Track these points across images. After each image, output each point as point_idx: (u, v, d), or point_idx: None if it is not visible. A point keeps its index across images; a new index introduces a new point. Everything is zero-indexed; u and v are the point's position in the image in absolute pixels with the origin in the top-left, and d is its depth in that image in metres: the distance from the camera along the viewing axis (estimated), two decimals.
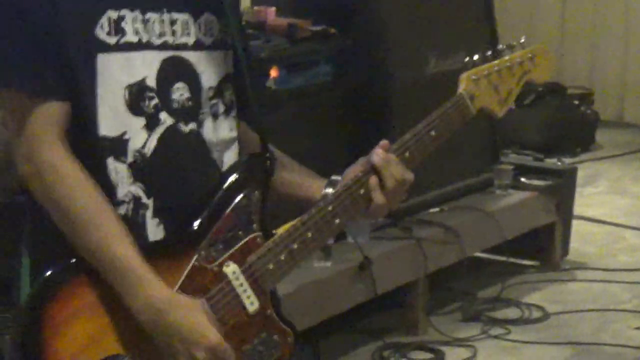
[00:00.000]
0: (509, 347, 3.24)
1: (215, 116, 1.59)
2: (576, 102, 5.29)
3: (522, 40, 1.66)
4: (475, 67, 1.61)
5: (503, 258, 3.84)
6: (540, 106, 5.86)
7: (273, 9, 3.33)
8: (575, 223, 3.91)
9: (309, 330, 2.93)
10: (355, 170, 1.54)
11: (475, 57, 1.61)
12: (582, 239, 3.95)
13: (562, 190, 3.79)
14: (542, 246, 3.93)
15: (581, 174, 4.12)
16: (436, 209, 3.62)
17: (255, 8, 3.42)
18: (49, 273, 1.43)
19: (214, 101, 1.58)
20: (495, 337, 3.24)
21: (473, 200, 3.84)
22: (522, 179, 4.05)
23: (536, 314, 3.40)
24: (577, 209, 3.98)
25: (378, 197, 1.52)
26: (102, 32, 1.45)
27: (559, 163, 4.47)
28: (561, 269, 3.79)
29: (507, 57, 1.63)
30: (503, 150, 4.22)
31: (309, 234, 1.54)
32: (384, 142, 1.54)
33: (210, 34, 1.55)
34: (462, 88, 1.59)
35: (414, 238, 3.29)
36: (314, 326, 2.99)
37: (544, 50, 1.70)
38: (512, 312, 3.41)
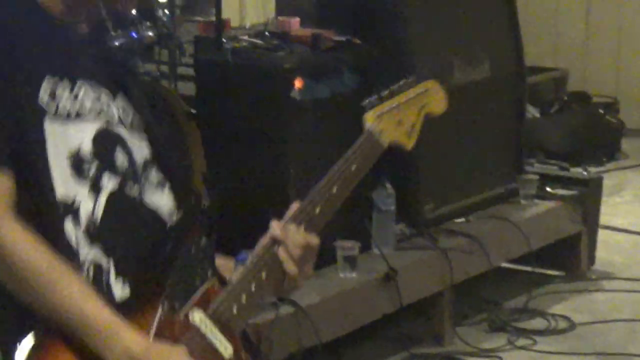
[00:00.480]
0: (536, 357, 3.23)
1: (149, 190, 1.62)
2: (601, 110, 5.22)
3: (412, 78, 1.72)
4: (375, 106, 1.68)
5: (529, 268, 3.81)
6: (565, 115, 5.88)
7: (297, 19, 3.34)
8: (601, 233, 3.88)
9: (334, 341, 3.02)
10: (260, 246, 1.59)
11: (373, 97, 1.68)
12: (608, 249, 3.93)
13: (587, 199, 3.77)
14: (568, 256, 3.91)
15: (607, 183, 4.10)
16: (462, 219, 3.59)
17: (279, 18, 3.43)
18: (28, 349, 1.43)
19: (143, 178, 1.62)
20: (522, 347, 3.23)
21: (498, 210, 3.80)
22: (548, 189, 4.02)
23: (562, 324, 3.37)
24: (603, 219, 3.94)
25: (289, 268, 1.57)
26: (43, 99, 1.48)
27: (585, 172, 4.45)
28: (587, 278, 3.76)
29: (403, 95, 1.71)
30: (528, 160, 4.21)
31: (263, 274, 1.59)
32: (294, 204, 1.59)
33: (126, 115, 1.60)
34: (368, 125, 1.65)
35: (439, 248, 3.29)
36: (339, 337, 3.00)
37: (435, 84, 1.77)
38: (538, 323, 3.38)
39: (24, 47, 1.52)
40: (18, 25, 1.54)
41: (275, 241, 1.58)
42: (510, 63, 3.98)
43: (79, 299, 1.44)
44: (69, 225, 1.50)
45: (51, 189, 1.48)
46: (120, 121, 1.60)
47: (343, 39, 3.14)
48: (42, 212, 1.49)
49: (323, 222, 1.62)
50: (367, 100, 1.70)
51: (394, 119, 1.70)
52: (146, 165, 1.64)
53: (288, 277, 1.60)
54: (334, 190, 1.59)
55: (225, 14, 3.34)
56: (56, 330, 1.44)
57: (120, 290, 1.54)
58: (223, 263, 1.71)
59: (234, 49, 3.07)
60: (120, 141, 1.59)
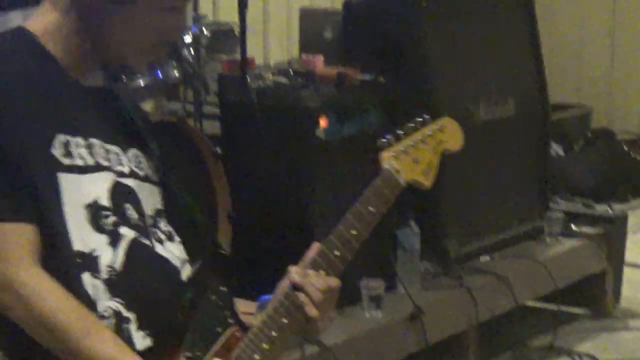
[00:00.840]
0: None
1: (159, 241, 1.63)
2: (626, 147, 5.15)
3: (427, 117, 1.73)
4: (391, 145, 1.68)
5: (554, 306, 3.73)
6: (589, 152, 5.83)
7: (321, 57, 3.34)
8: (626, 270, 3.85)
9: None
10: (280, 291, 1.59)
11: (389, 136, 1.69)
12: (633, 286, 3.88)
13: (613, 237, 3.75)
14: (594, 294, 3.87)
15: (632, 221, 4.06)
16: (487, 257, 3.55)
17: (304, 56, 3.44)
18: None
19: (153, 229, 1.63)
20: None
21: (524, 248, 3.79)
22: (573, 226, 3.97)
23: None
24: (629, 256, 3.91)
25: (311, 313, 1.57)
26: (56, 152, 1.50)
27: (610, 209, 4.38)
28: (613, 316, 3.72)
29: (418, 134, 1.72)
30: (553, 197, 4.20)
31: (284, 320, 1.58)
32: (313, 247, 1.58)
33: (139, 168, 1.61)
34: (386, 165, 1.66)
35: (465, 286, 3.27)
36: None
37: (450, 122, 1.79)
38: None
39: (36, 101, 1.53)
40: (30, 77, 1.56)
41: (295, 286, 1.58)
42: (535, 101, 3.98)
43: (113, 349, 1.46)
44: (86, 276, 1.51)
45: (67, 241, 1.49)
46: (132, 174, 1.62)
47: (368, 77, 3.14)
48: (57, 263, 1.50)
49: (343, 264, 1.62)
50: (382, 140, 1.70)
51: (410, 158, 1.70)
52: (156, 216, 1.66)
53: (310, 321, 1.59)
54: (353, 232, 1.59)
55: (249, 52, 3.33)
56: None
57: (141, 340, 1.54)
58: (244, 308, 1.71)
59: (259, 88, 3.07)
60: (131, 194, 1.61)
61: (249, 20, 3.55)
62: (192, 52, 3.54)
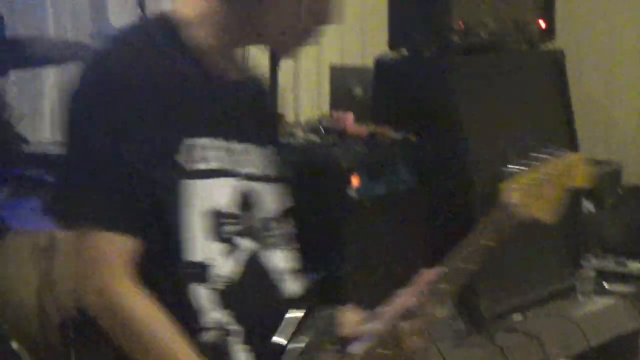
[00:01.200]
0: None
1: (276, 245, 1.61)
2: None
3: (557, 151, 1.73)
4: (514, 178, 1.69)
5: None
6: (621, 208, 5.83)
7: (351, 114, 3.31)
8: None
9: None
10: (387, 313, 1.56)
11: (514, 167, 1.71)
12: None
13: None
14: (627, 353, 3.79)
15: None
16: (519, 316, 3.43)
17: (334, 114, 3.36)
18: None
19: (277, 232, 1.61)
20: None
21: (556, 306, 3.63)
22: (605, 284, 3.89)
23: None
24: None
25: (413, 342, 1.55)
26: (182, 158, 1.47)
27: None
28: None
29: (543, 168, 1.70)
30: (584, 255, 4.08)
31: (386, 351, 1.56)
32: (426, 274, 1.55)
33: (268, 166, 1.59)
34: (505, 197, 1.64)
35: (496, 345, 3.16)
36: None
37: (579, 159, 1.78)
38: None
39: (168, 103, 1.49)
40: (165, 75, 1.50)
41: (407, 312, 1.56)
42: None
43: None
44: (196, 286, 1.49)
45: (180, 249, 1.47)
46: (257, 176, 1.59)
47: (399, 136, 3.11)
48: (166, 273, 1.48)
49: (449, 296, 1.63)
50: (506, 170, 1.72)
51: (532, 193, 1.68)
52: (277, 220, 1.63)
53: (408, 349, 1.56)
54: (466, 265, 1.59)
55: (280, 109, 3.26)
56: None
57: (243, 355, 1.52)
58: (350, 318, 1.69)
59: (292, 146, 3.08)
60: (253, 198, 1.58)
61: (280, 76, 3.55)
62: None
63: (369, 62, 3.67)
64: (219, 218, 1.52)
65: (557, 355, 3.41)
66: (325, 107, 4.39)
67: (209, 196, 1.50)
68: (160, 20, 1.58)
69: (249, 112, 1.61)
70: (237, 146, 1.57)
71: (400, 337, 1.56)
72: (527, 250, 3.51)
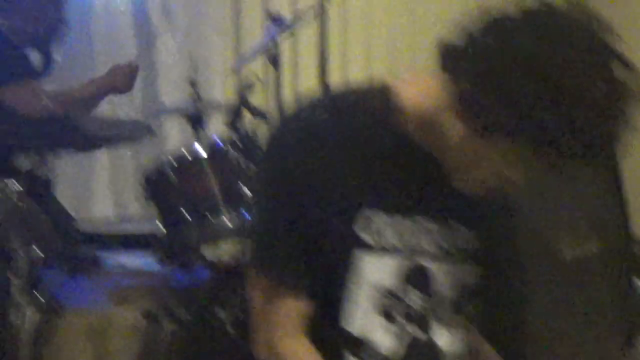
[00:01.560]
0: None
1: (449, 327, 1.55)
2: None
3: None
4: None
5: None
6: None
7: None
8: None
9: None
10: None
11: None
12: None
13: None
14: None
15: None
16: None
17: None
18: None
19: (451, 314, 1.54)
20: None
21: None
22: None
23: None
24: None
25: None
26: (359, 229, 1.42)
27: None
28: None
29: None
30: (638, 337, 3.72)
31: None
32: None
33: (447, 243, 1.50)
34: None
35: None
36: None
37: None
38: None
39: (359, 168, 1.45)
40: (354, 139, 1.45)
41: None
42: (618, 238, 3.66)
43: None
44: (349, 357, 1.47)
45: (340, 318, 1.46)
46: (431, 254, 1.52)
47: None
48: (324, 339, 1.48)
49: None
50: None
51: None
52: (453, 302, 1.57)
53: None
54: None
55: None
56: None
57: None
58: None
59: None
60: (423, 277, 1.53)
61: None
62: None
63: None
64: (385, 294, 1.48)
65: None
66: None
67: (378, 271, 1.45)
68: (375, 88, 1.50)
69: (432, 185, 1.50)
70: (407, 223, 1.50)
71: None
72: (579, 332, 3.39)
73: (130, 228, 4.34)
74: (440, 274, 1.52)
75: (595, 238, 3.42)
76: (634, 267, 3.77)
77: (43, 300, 2.55)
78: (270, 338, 1.46)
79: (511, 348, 1.86)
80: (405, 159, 1.47)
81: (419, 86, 1.42)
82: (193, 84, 3.36)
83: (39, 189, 3.04)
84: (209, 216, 2.98)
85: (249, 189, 2.97)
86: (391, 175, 1.47)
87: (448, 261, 1.52)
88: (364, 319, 1.46)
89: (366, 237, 1.44)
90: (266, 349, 1.46)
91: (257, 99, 3.53)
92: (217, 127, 3.60)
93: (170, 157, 3.15)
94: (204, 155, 3.10)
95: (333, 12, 4.41)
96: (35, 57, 3.45)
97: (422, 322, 1.52)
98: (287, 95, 3.89)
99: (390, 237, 1.47)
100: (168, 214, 3.20)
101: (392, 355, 1.49)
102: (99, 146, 3.66)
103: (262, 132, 3.23)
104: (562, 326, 3.39)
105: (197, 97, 3.36)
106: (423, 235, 1.50)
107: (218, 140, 3.18)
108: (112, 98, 3.63)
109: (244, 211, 2.96)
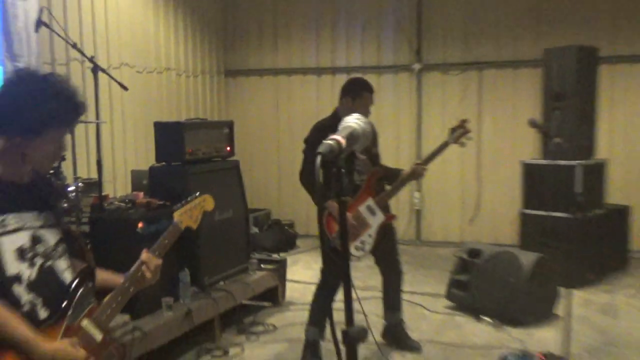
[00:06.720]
0: None
1: (59, 262, 1.96)
2: None
3: (196, 194, 2.18)
4: (179, 209, 2.16)
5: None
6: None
7: (141, 193, 4.37)
8: None
9: None
10: (135, 266, 2.00)
11: (177, 205, 2.14)
12: None
13: None
14: (273, 298, 4.99)
15: None
16: (221, 283, 4.57)
17: (134, 192, 4.48)
18: None
19: (57, 255, 1.93)
20: None
21: (239, 276, 4.78)
22: (261, 265, 5.05)
23: None
24: None
25: (148, 275, 2.02)
26: None
27: None
28: None
29: (192, 202, 2.18)
30: (252, 252, 5.21)
31: (119, 298, 1.99)
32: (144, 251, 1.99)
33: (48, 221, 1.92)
34: (175, 218, 2.13)
35: (211, 298, 4.23)
36: None
37: (208, 197, 2.22)
38: None
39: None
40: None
41: (142, 262, 2.01)
42: (242, 208, 4.87)
43: (16, 330, 1.80)
44: (15, 288, 1.84)
45: (2, 269, 1.82)
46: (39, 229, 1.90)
47: (161, 202, 4.03)
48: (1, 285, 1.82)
49: (164, 254, 2.05)
50: (174, 207, 2.18)
51: (188, 214, 2.16)
52: (55, 247, 1.94)
53: (146, 282, 2.03)
54: (166, 241, 2.09)
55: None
56: (7, 343, 1.80)
57: (44, 314, 1.88)
58: (108, 277, 2.10)
59: (110, 210, 4.07)
60: (37, 241, 1.91)
61: None
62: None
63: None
64: (24, 251, 1.87)
65: (241, 299, 4.60)
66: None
67: (12, 242, 1.86)
68: None
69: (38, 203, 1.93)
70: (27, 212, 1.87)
71: (142, 273, 1.99)
72: (225, 248, 4.72)
73: None
74: (47, 234, 1.88)
75: (231, 207, 4.84)
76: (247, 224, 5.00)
77: None
78: None
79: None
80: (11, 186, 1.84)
81: None
82: None
83: None
84: None
85: None
86: (8, 198, 1.83)
87: (46, 228, 1.88)
88: (15, 264, 1.82)
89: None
90: None
91: None
92: None
93: None
94: None
95: None
96: None
97: (47, 257, 1.87)
98: None
99: (13, 223, 1.82)
100: None
101: (30, 278, 1.84)
102: None
103: None
104: (220, 247, 4.53)
105: None
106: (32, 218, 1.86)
107: None
108: None
109: None
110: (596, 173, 5.91)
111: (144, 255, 2.05)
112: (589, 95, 5.91)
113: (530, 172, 5.99)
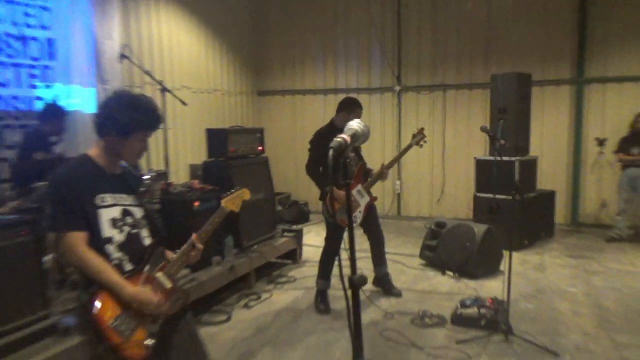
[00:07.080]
0: None
1: (141, 230, 1.87)
2: None
3: (237, 188, 2.01)
4: (225, 197, 2.01)
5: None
6: None
7: (197, 180, 4.14)
8: None
9: None
10: (187, 244, 1.91)
11: (224, 194, 1.98)
12: None
13: None
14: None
15: None
16: (255, 246, 4.45)
17: (193, 181, 4.15)
18: (91, 289, 1.74)
19: (139, 225, 1.84)
20: None
21: (266, 242, 4.63)
22: (285, 233, 4.94)
23: None
24: None
25: (192, 260, 1.93)
26: (97, 201, 1.73)
27: None
28: None
29: (235, 192, 2.02)
30: (277, 224, 5.01)
31: (184, 258, 1.92)
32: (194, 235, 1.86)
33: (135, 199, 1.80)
34: (222, 204, 1.97)
35: (249, 257, 4.14)
36: None
37: (244, 191, 2.05)
38: None
39: (87, 181, 1.78)
40: (86, 172, 1.78)
41: (192, 242, 1.93)
42: (269, 191, 4.69)
43: (110, 276, 1.78)
44: (108, 247, 1.81)
45: (99, 232, 1.79)
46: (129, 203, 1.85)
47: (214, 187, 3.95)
48: (95, 243, 1.78)
49: (205, 242, 1.91)
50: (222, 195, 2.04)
51: (232, 201, 2.03)
52: (140, 220, 1.88)
53: (194, 258, 1.94)
54: (209, 227, 1.96)
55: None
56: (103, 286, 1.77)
57: (129, 267, 1.85)
58: (170, 255, 2.01)
59: (174, 193, 3.94)
60: (126, 214, 1.87)
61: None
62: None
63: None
64: (115, 221, 1.82)
65: (270, 257, 4.47)
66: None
67: (108, 213, 1.80)
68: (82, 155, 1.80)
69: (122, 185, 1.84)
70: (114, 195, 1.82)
71: (192, 251, 1.88)
72: (258, 220, 4.51)
73: None
74: (135, 210, 1.82)
75: (262, 191, 4.73)
76: (274, 203, 4.71)
77: None
78: (75, 251, 1.68)
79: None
80: (105, 174, 1.77)
81: None
82: None
83: None
84: None
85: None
86: (104, 180, 1.79)
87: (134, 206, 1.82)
88: (107, 229, 1.77)
89: (99, 202, 1.74)
90: (74, 255, 1.66)
91: None
92: None
93: None
94: None
95: None
96: None
97: (134, 227, 1.80)
98: None
99: (109, 200, 1.78)
100: None
101: (120, 240, 1.78)
102: None
103: None
104: (254, 220, 4.37)
105: None
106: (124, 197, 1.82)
107: None
108: None
109: None
110: (530, 166, 5.82)
111: (193, 237, 1.99)
112: (524, 109, 5.84)
113: (481, 166, 5.87)
